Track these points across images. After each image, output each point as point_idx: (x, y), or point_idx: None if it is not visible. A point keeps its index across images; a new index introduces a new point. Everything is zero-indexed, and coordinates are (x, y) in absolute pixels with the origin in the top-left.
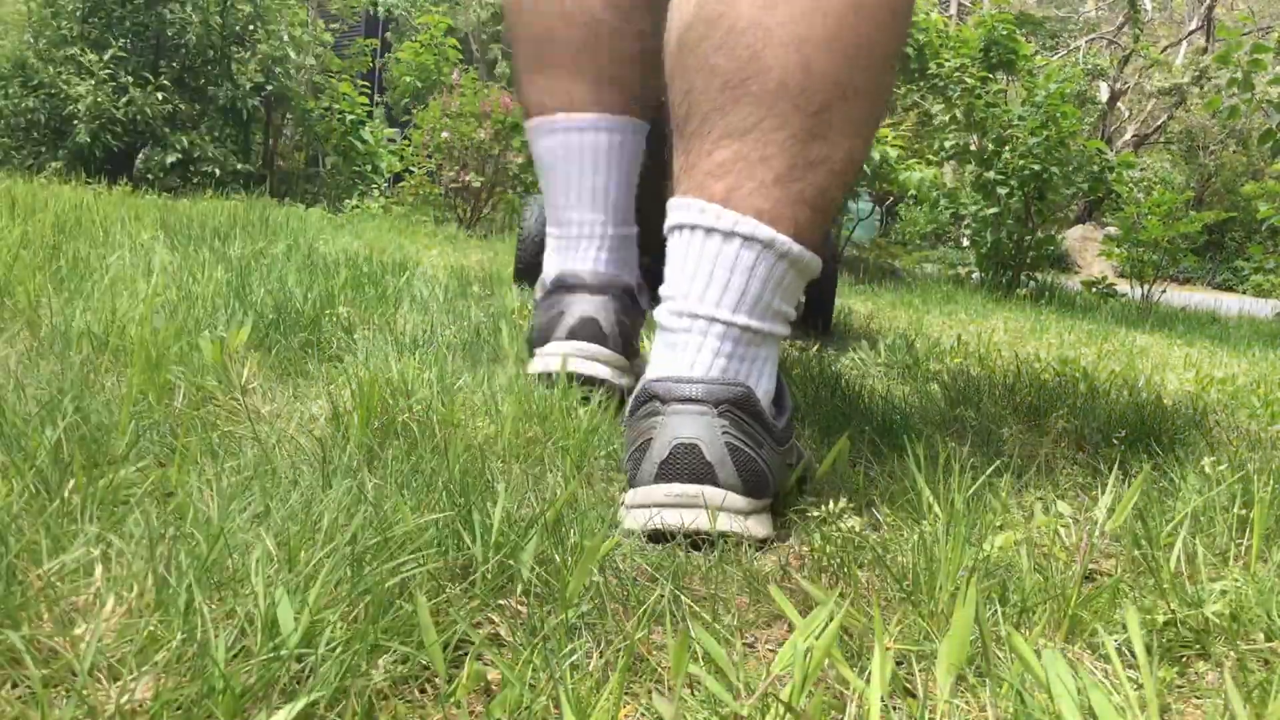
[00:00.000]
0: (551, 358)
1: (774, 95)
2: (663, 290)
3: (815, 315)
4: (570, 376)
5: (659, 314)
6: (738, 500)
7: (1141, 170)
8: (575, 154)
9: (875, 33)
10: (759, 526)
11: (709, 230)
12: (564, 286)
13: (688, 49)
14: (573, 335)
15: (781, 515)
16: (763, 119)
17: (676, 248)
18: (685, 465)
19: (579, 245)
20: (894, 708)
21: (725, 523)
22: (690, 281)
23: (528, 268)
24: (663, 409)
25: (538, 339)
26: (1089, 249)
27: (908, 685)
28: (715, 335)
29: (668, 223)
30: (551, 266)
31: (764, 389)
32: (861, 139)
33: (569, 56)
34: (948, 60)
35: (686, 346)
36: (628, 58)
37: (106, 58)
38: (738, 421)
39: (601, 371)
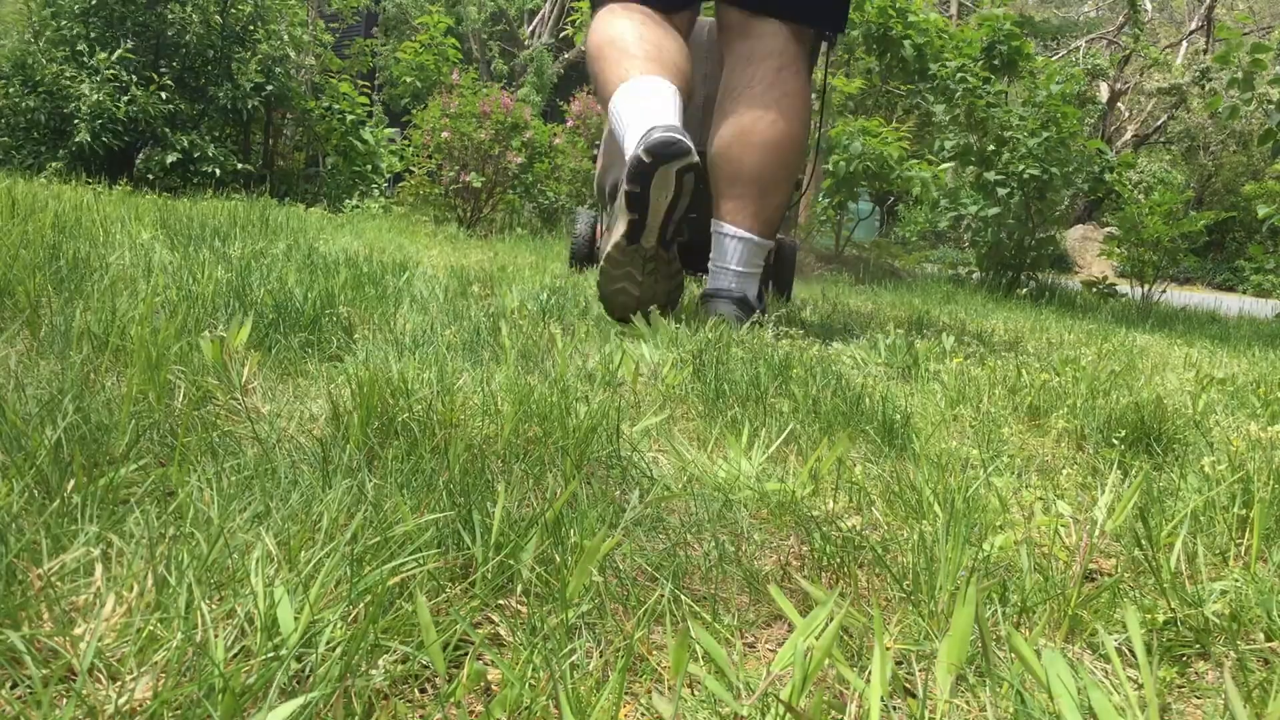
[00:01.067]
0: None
1: (747, 183)
2: (711, 258)
3: (779, 288)
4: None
5: (711, 267)
6: (738, 315)
7: (1139, 173)
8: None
9: (791, 157)
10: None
11: (724, 234)
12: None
13: (716, 161)
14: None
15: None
16: (745, 191)
17: (715, 241)
18: (723, 314)
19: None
20: (894, 708)
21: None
22: (721, 254)
23: (577, 259)
24: (713, 301)
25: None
26: (1089, 249)
27: (908, 685)
28: (731, 275)
29: (712, 230)
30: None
31: (752, 294)
32: (785, 194)
33: (660, 54)
34: (949, 60)
35: (722, 277)
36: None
37: (107, 57)
38: (740, 303)
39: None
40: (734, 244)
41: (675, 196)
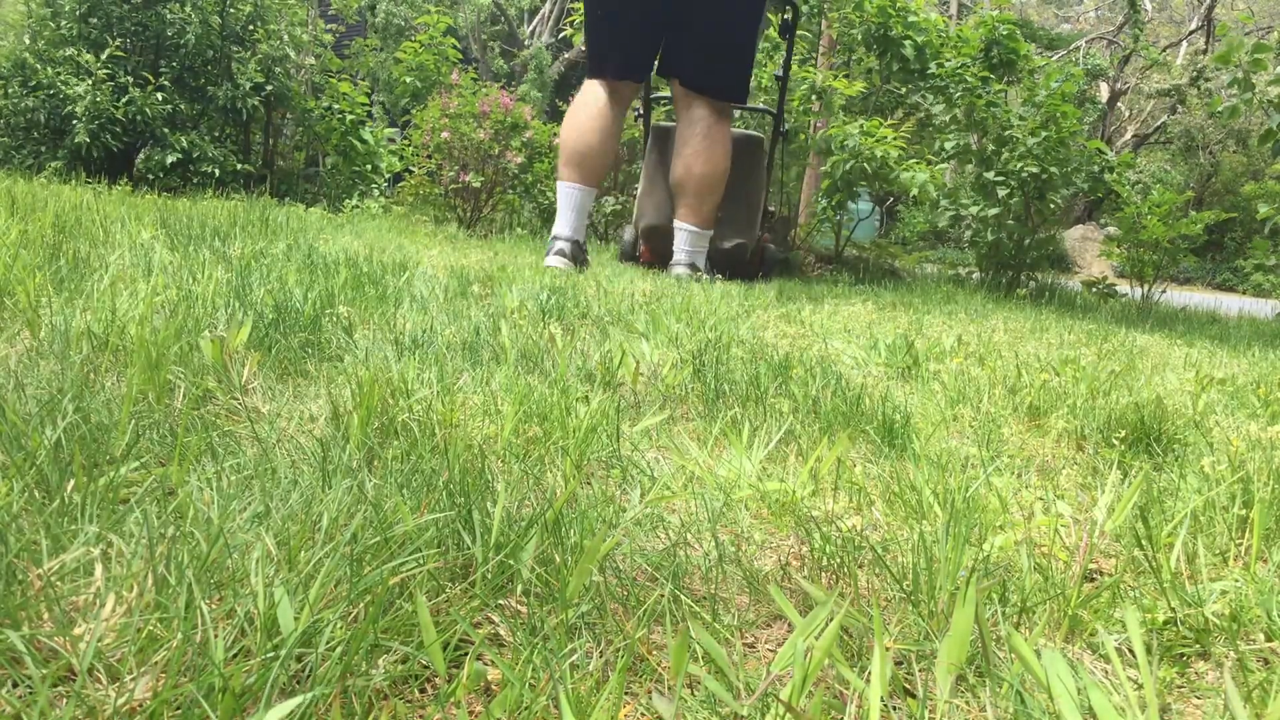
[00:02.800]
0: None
1: (690, 196)
2: (675, 244)
3: (762, 274)
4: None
5: (675, 249)
6: (689, 274)
7: (1138, 173)
8: (579, 199)
9: (716, 180)
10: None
11: (680, 228)
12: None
13: (674, 186)
14: (560, 253)
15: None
16: (689, 202)
17: (676, 232)
18: (679, 274)
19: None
20: (894, 708)
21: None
22: (679, 240)
23: (624, 257)
24: (674, 268)
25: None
26: (1089, 249)
27: (908, 685)
28: (684, 252)
29: (674, 226)
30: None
31: (700, 262)
32: (715, 202)
33: (586, 161)
34: (948, 60)
35: (680, 254)
36: (604, 166)
37: (105, 58)
38: (689, 266)
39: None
40: (684, 233)
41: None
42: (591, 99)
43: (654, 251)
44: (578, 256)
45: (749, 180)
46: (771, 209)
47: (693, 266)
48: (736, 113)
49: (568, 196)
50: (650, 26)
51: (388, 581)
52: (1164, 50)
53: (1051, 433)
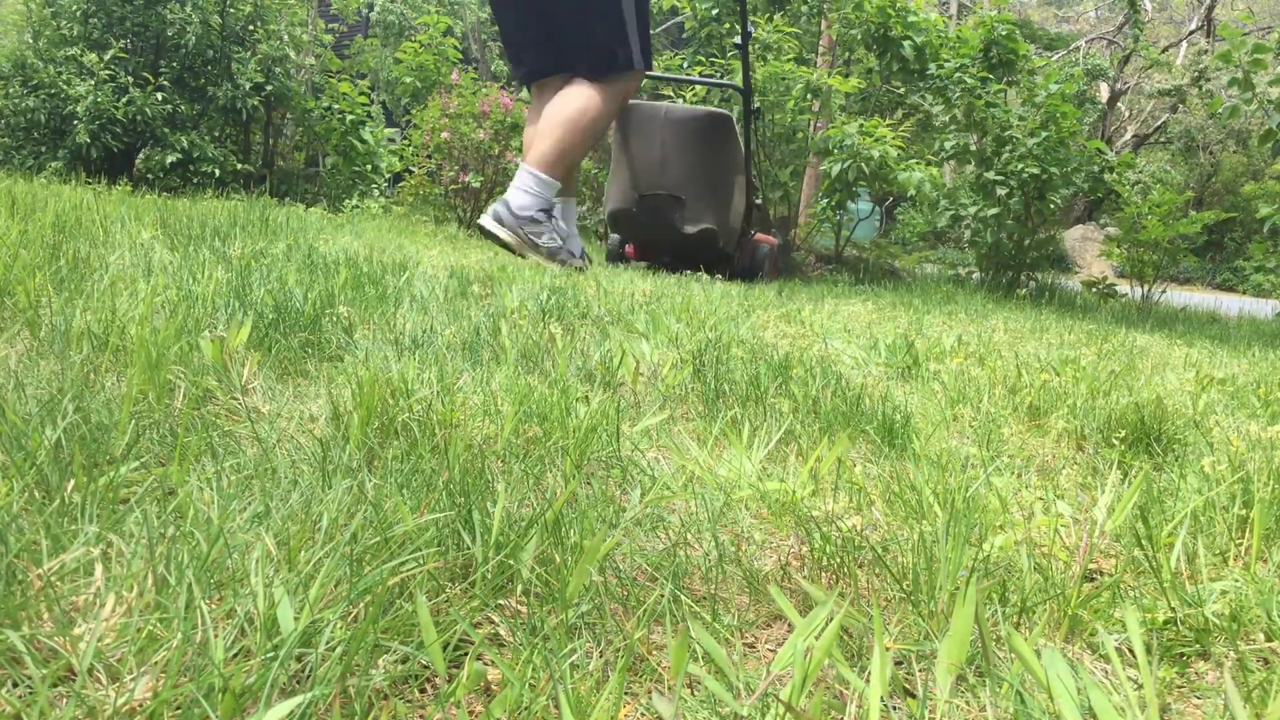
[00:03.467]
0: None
1: (537, 139)
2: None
3: (757, 271)
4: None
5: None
6: (498, 212)
7: (1138, 173)
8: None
9: (567, 118)
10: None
11: (520, 167)
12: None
13: (536, 126)
14: (494, 213)
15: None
16: (534, 145)
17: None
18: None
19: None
20: (894, 708)
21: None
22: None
23: (611, 257)
24: (497, 203)
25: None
26: (1089, 249)
27: (908, 685)
28: (514, 188)
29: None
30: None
31: (514, 202)
32: (560, 142)
33: (526, 143)
34: (947, 60)
35: (510, 190)
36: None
37: (107, 58)
38: (504, 203)
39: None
40: (520, 171)
41: (501, 241)
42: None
43: (639, 248)
44: (504, 219)
45: (717, 159)
46: (758, 202)
47: (506, 204)
48: (709, 95)
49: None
50: (526, 29)
51: (388, 581)
52: (1164, 50)
53: (1051, 433)
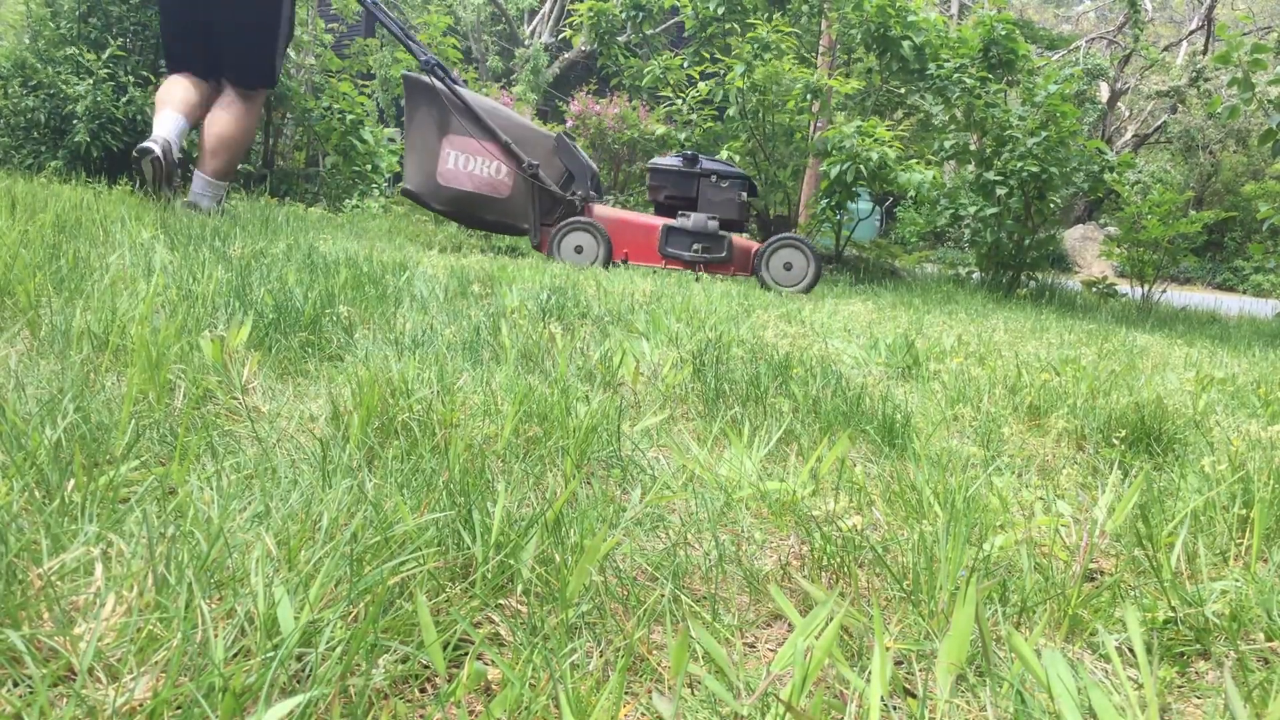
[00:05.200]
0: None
1: (206, 152)
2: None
3: (754, 272)
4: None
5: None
6: (190, 203)
7: (1138, 173)
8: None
9: (217, 140)
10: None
11: (196, 175)
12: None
13: (201, 132)
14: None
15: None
16: (203, 156)
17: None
18: (188, 205)
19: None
20: (894, 708)
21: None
22: (194, 185)
23: (536, 244)
24: (188, 204)
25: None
26: (1089, 249)
27: (908, 685)
28: (196, 194)
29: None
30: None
31: (203, 203)
32: (231, 159)
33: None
34: (947, 60)
35: (193, 195)
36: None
37: (104, 56)
38: (191, 202)
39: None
40: (197, 178)
41: (153, 169)
42: (172, 80)
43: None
44: (168, 153)
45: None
46: (736, 197)
47: (193, 202)
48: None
49: (161, 117)
50: (185, 30)
51: (388, 581)
52: (1164, 50)
53: (1052, 432)
